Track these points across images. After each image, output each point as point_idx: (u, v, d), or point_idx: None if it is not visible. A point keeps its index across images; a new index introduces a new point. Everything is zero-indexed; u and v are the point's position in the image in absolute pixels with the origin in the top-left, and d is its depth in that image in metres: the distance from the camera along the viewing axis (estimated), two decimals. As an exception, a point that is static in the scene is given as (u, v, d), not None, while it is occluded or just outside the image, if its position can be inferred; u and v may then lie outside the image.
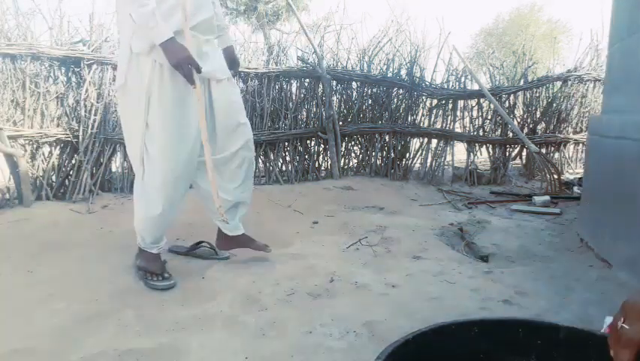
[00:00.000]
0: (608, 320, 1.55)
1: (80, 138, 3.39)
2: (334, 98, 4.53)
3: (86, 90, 3.41)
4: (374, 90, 4.69)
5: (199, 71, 1.81)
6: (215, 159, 2.05)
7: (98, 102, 3.45)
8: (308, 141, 4.42)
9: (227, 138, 2.09)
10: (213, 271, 2.18)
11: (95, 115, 3.44)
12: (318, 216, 3.20)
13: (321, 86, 4.39)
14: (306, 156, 4.40)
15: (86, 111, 3.41)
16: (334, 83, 4.53)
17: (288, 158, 4.30)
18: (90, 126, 3.41)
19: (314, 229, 2.96)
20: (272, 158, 4.22)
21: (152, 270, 2.02)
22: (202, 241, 2.40)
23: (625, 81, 2.62)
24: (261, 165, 4.21)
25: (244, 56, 4.26)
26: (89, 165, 3.39)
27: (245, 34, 4.49)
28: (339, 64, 4.60)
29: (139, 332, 1.60)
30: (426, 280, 2.10)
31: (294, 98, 4.43)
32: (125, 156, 3.64)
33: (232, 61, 2.20)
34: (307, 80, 4.43)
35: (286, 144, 4.30)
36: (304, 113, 4.47)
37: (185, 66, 1.77)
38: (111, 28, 3.58)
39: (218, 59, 2.05)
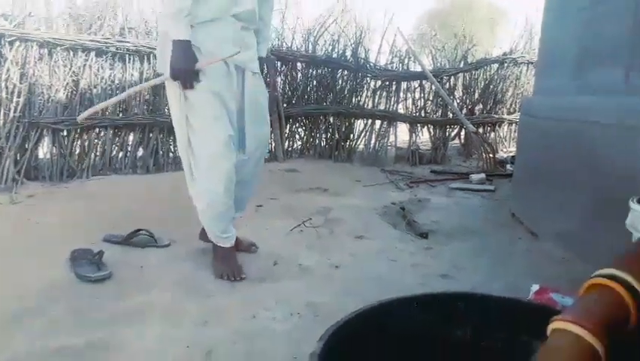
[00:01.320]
0: (534, 287, 1.65)
1: (1, 122, 3.14)
2: (278, 79, 4.47)
3: (7, 70, 3.15)
4: (319, 71, 4.67)
5: (191, 87, 1.77)
6: (242, 160, 2.00)
7: (21, 83, 3.20)
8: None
9: (253, 135, 2.02)
10: (152, 259, 2.10)
11: (19, 97, 3.19)
12: (262, 199, 3.16)
13: (265, 66, 4.30)
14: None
15: (7, 93, 3.16)
16: (279, 63, 4.46)
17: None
18: (12, 110, 3.17)
19: (258, 212, 2.92)
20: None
21: (229, 269, 1.91)
22: (140, 229, 2.30)
23: (554, 65, 2.76)
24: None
25: None
26: (11, 151, 3.16)
27: None
28: (283, 44, 4.54)
29: (71, 328, 1.52)
30: (369, 260, 2.14)
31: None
32: (54, 142, 3.42)
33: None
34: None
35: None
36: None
37: (182, 77, 1.74)
38: (37, 1, 3.32)
39: (254, 49, 2.00)
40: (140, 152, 3.85)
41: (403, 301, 1.21)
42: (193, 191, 1.98)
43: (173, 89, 1.86)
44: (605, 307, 0.65)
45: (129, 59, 3.78)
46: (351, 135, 4.75)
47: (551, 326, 0.65)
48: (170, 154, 3.95)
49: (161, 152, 3.90)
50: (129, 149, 3.81)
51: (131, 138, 3.82)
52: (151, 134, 3.85)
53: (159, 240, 2.30)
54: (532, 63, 5.31)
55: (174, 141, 4.01)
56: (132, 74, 3.82)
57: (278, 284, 1.86)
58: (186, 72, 1.74)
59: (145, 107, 3.87)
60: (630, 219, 1.55)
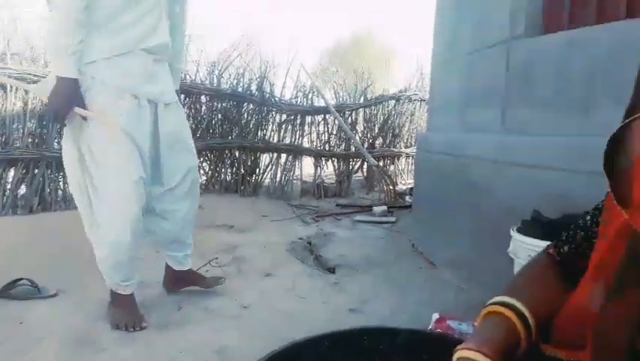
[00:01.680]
0: (434, 316, 1.74)
1: None
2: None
3: None
4: (224, 105, 4.63)
5: (61, 125, 1.63)
6: (163, 192, 1.89)
7: None
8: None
9: (173, 166, 1.89)
10: (36, 312, 1.88)
11: None
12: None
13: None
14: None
15: None
16: (182, 96, 4.35)
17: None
18: None
19: (160, 253, 2.76)
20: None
21: (127, 318, 1.75)
22: (20, 278, 2.05)
23: (443, 105, 3.03)
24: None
25: None
26: None
27: None
28: (187, 77, 4.44)
29: None
30: (278, 297, 2.11)
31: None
32: None
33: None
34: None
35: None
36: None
37: (57, 113, 1.66)
38: None
39: (167, 81, 1.88)
40: (23, 190, 3.47)
41: (313, 340, 1.20)
42: (93, 236, 1.82)
43: (72, 121, 1.71)
44: (501, 334, 0.71)
45: (10, 87, 3.44)
46: (257, 170, 4.73)
47: (456, 356, 0.69)
48: (60, 192, 3.61)
49: (48, 189, 3.54)
50: (8, 187, 3.41)
51: (11, 174, 3.43)
52: (36, 170, 3.50)
53: (43, 290, 2.07)
54: (424, 100, 5.77)
55: (64, 177, 3.68)
56: (14, 103, 3.47)
57: (183, 331, 1.76)
58: (59, 112, 1.65)
59: (30, 139, 3.52)
60: (512, 247, 1.72)
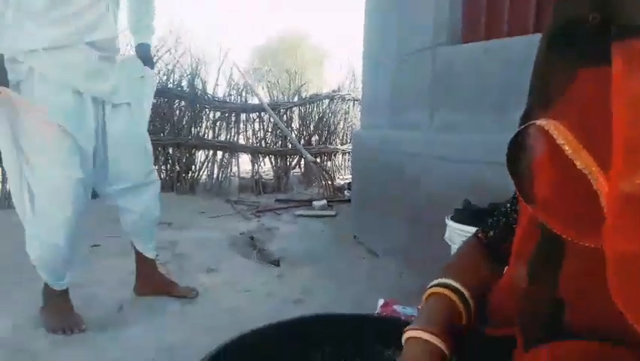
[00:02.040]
0: (380, 301, 1.82)
1: None
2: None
3: None
4: (154, 101, 4.46)
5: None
6: (118, 190, 1.83)
7: None
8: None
9: (124, 169, 1.80)
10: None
11: None
12: (99, 238, 2.86)
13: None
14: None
15: None
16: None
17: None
18: None
19: (94, 252, 2.64)
20: None
21: (64, 321, 1.67)
22: None
23: (375, 104, 3.14)
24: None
25: None
26: None
27: None
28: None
29: None
30: (222, 293, 2.10)
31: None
32: None
33: (142, 57, 1.90)
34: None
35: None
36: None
37: None
38: None
39: (116, 79, 1.73)
40: None
41: (260, 331, 1.22)
42: (26, 229, 1.69)
43: (2, 112, 1.58)
44: (444, 312, 0.77)
45: None
46: (193, 167, 4.63)
47: (405, 336, 0.75)
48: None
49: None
50: None
51: None
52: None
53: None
54: (357, 100, 5.93)
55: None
56: None
57: (125, 331, 1.69)
58: None
59: None
60: (447, 234, 1.84)
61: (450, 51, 2.27)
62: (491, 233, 0.87)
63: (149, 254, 2.04)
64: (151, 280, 2.04)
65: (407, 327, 0.77)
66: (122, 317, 1.81)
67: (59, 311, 1.71)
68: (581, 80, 0.56)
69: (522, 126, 0.62)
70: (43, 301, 1.76)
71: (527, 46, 1.90)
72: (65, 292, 1.77)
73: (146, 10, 1.95)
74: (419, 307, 1.64)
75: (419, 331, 0.72)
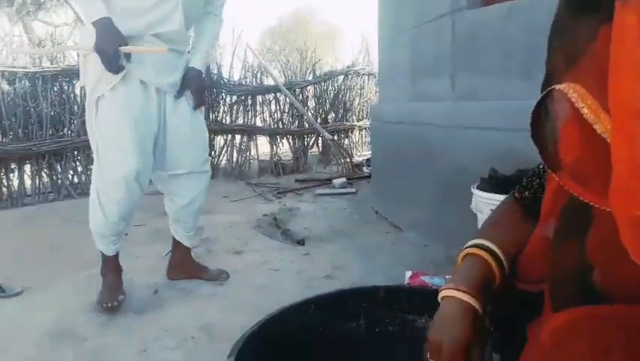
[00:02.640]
0: (408, 273, 1.85)
1: None
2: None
3: None
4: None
5: (120, 69, 1.64)
6: (169, 176, 1.92)
7: None
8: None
9: (178, 157, 1.88)
10: (4, 312, 1.82)
11: None
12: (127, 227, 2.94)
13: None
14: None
15: None
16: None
17: (80, 168, 3.82)
18: None
19: (125, 241, 2.71)
20: (59, 170, 3.69)
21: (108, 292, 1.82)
22: (-20, 279, 1.98)
23: (393, 76, 3.11)
24: (46, 179, 3.64)
25: (5, 52, 3.61)
26: None
27: (3, 28, 3.80)
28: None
29: None
30: (252, 273, 2.15)
31: (78, 100, 3.94)
32: None
33: (188, 82, 1.87)
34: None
35: (75, 152, 3.81)
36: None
37: (106, 58, 1.60)
38: None
39: (179, 75, 1.83)
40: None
41: (299, 306, 1.26)
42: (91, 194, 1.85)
43: (88, 98, 1.73)
44: (477, 272, 0.80)
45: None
46: (213, 152, 4.68)
47: (440, 295, 0.78)
48: (4, 189, 3.43)
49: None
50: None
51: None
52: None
53: (7, 289, 2.00)
54: (372, 74, 5.86)
55: (7, 173, 3.50)
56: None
57: (163, 312, 1.76)
58: (108, 52, 1.60)
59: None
60: (474, 203, 1.84)
61: (470, 15, 2.22)
62: (526, 193, 0.88)
63: (187, 243, 2.11)
64: (184, 266, 2.11)
65: (442, 285, 0.81)
66: (159, 300, 1.88)
67: (107, 278, 1.88)
68: (603, 38, 0.54)
69: (544, 92, 0.61)
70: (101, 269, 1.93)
71: (552, 7, 1.86)
72: (115, 256, 1.92)
73: (211, 30, 1.97)
74: (447, 276, 1.67)
75: (454, 290, 0.76)
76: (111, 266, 1.91)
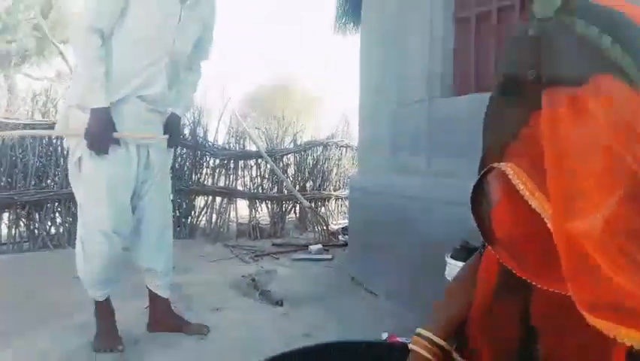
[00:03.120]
0: (384, 335, 1.94)
1: None
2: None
3: None
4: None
5: (105, 152, 1.77)
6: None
7: None
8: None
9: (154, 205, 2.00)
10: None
11: None
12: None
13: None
14: (81, 217, 4.00)
15: None
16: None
17: (59, 220, 3.82)
18: None
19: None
20: (38, 220, 3.69)
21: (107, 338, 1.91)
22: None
23: (372, 150, 3.35)
24: (22, 228, 3.62)
25: None
26: None
27: None
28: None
29: None
30: (232, 329, 2.19)
31: (65, 153, 4.02)
32: None
33: (169, 125, 2.04)
34: (83, 134, 4.11)
35: (56, 204, 3.83)
36: (78, 170, 4.09)
37: (97, 143, 1.74)
38: None
39: (160, 128, 2.00)
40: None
41: (285, 356, 1.35)
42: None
43: (71, 155, 1.86)
44: None
45: None
46: (193, 212, 4.75)
47: None
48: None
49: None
50: None
51: None
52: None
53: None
54: (350, 146, 6.17)
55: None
56: None
57: (144, 364, 1.79)
58: (103, 138, 1.74)
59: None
60: (447, 271, 1.99)
61: (444, 103, 2.50)
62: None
63: (162, 293, 2.16)
64: (164, 318, 2.14)
65: None
66: (140, 352, 1.90)
67: (103, 324, 1.94)
68: (533, 122, 0.59)
69: (482, 171, 0.69)
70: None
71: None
72: (106, 301, 1.98)
73: (191, 83, 2.16)
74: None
75: None
76: (102, 310, 1.96)
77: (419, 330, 0.95)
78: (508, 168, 0.60)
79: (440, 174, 2.47)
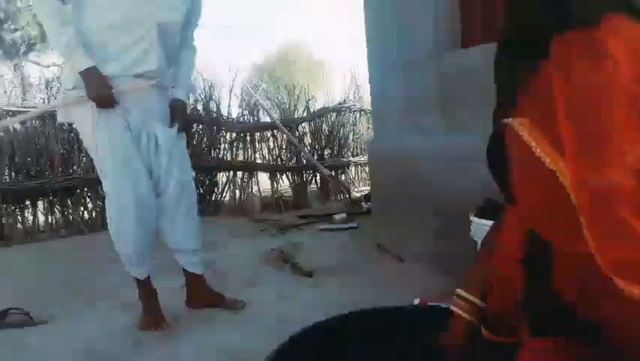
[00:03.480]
0: (416, 301, 1.99)
1: None
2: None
3: None
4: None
5: (112, 105, 1.78)
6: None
7: None
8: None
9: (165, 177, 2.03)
10: (37, 337, 1.92)
11: None
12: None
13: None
14: (111, 200, 4.10)
15: None
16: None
17: (90, 205, 3.93)
18: None
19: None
20: (70, 206, 3.80)
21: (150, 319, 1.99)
22: (10, 308, 2.07)
23: (386, 113, 3.31)
24: (58, 215, 3.75)
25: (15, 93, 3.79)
26: None
27: None
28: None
29: None
30: (268, 302, 2.27)
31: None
32: None
33: (173, 112, 2.05)
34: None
35: (85, 189, 3.93)
36: (102, 154, 4.17)
37: (102, 100, 1.75)
38: None
39: (164, 110, 2.01)
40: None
41: (322, 325, 1.42)
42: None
43: (86, 129, 1.87)
44: (457, 330, 0.96)
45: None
46: (216, 188, 4.82)
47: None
48: (19, 225, 3.52)
49: (7, 223, 3.45)
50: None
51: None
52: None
53: (37, 317, 2.09)
54: (363, 110, 6.09)
55: (22, 210, 3.60)
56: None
57: (187, 338, 1.89)
58: (103, 98, 1.76)
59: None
60: (473, 230, 2.00)
61: (452, 56, 2.45)
62: None
63: (195, 269, 2.23)
64: (201, 295, 2.22)
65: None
66: (180, 326, 2.00)
67: (146, 302, 2.04)
68: (544, 71, 0.57)
69: (495, 127, 0.67)
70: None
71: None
72: (147, 280, 2.07)
73: (186, 62, 2.15)
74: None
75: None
76: (144, 289, 2.05)
77: (458, 291, 0.99)
78: (518, 123, 0.58)
79: (456, 131, 2.45)
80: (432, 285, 2.32)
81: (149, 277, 2.07)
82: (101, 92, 1.74)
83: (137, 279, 2.05)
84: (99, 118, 1.80)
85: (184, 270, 2.24)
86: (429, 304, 1.90)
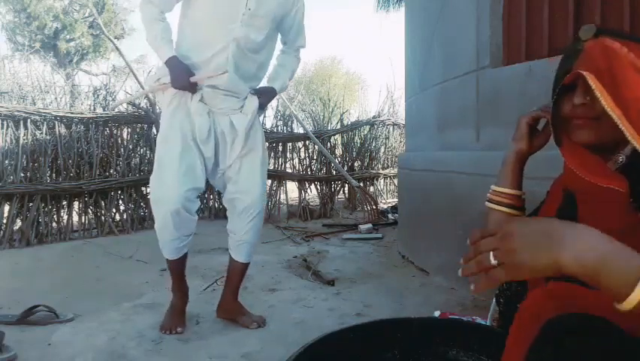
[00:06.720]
0: (436, 313, 1.94)
1: None
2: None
3: None
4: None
5: (194, 91, 1.93)
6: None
7: None
8: (143, 188, 4.26)
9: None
10: (60, 335, 1.97)
11: None
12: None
13: (154, 130, 4.31)
14: (142, 204, 4.22)
15: None
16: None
17: (122, 207, 4.06)
18: None
19: (163, 276, 2.86)
20: (104, 207, 3.94)
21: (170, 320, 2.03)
22: (37, 305, 2.14)
23: (420, 127, 3.30)
24: (91, 216, 3.88)
25: (49, 98, 3.98)
26: None
27: (44, 75, 4.16)
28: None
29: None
30: (288, 308, 2.27)
31: (125, 143, 4.24)
32: None
33: (261, 92, 2.10)
34: (140, 125, 4.32)
35: (119, 192, 4.06)
36: (138, 159, 4.31)
37: (183, 86, 1.89)
38: None
39: (236, 106, 2.03)
40: (18, 223, 3.52)
41: (341, 333, 1.39)
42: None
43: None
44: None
45: (2, 124, 3.53)
46: (244, 195, 4.87)
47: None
48: (54, 224, 3.67)
49: (43, 222, 3.60)
50: (4, 221, 3.45)
51: (6, 208, 3.48)
52: (30, 204, 3.56)
53: (61, 315, 2.15)
54: (397, 124, 6.08)
55: (57, 210, 3.75)
56: (5, 140, 3.55)
57: (206, 341, 1.89)
58: (185, 84, 1.88)
59: (22, 175, 3.59)
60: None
61: (493, 73, 2.41)
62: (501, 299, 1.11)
63: (238, 256, 2.25)
64: (230, 308, 2.16)
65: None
66: (201, 330, 2.01)
67: (175, 297, 2.11)
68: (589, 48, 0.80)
69: (566, 76, 0.84)
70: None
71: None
72: (178, 262, 2.11)
73: (286, 66, 2.21)
74: (474, 317, 1.78)
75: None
76: (175, 273, 2.10)
77: (493, 187, 1.11)
78: (588, 76, 0.74)
79: (490, 148, 2.40)
80: (454, 298, 2.26)
81: (182, 275, 2.13)
82: (181, 79, 1.88)
83: (169, 260, 2.09)
84: (173, 99, 1.94)
85: (228, 264, 2.26)
86: (449, 316, 1.86)
